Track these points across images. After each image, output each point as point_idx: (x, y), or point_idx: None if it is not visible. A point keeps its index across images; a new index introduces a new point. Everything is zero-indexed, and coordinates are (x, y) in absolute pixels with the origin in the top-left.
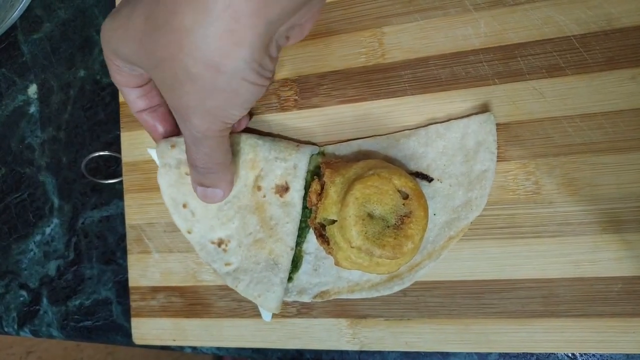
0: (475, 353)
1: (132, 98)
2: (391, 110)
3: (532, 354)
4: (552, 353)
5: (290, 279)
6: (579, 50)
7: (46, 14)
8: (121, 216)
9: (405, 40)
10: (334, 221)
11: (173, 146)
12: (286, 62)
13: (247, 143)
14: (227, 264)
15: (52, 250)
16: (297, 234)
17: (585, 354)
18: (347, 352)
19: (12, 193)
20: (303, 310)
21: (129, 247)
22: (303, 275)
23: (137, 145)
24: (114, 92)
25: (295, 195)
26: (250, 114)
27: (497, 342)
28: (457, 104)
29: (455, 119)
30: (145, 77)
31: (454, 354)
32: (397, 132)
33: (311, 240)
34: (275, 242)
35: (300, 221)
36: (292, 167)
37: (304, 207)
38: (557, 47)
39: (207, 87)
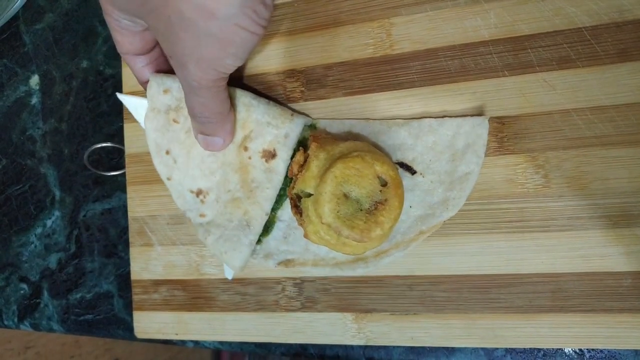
0: (482, 348)
1: (124, 43)
2: (399, 102)
3: (539, 349)
4: (560, 348)
5: (259, 241)
6: (590, 42)
7: (49, 4)
8: (123, 209)
9: (414, 32)
10: (310, 194)
11: (166, 91)
12: (293, 52)
13: (241, 101)
14: (201, 215)
15: (53, 243)
16: (274, 200)
17: (592, 349)
18: (351, 346)
19: (13, 185)
20: (307, 304)
21: (131, 239)
22: (272, 240)
23: (141, 136)
24: (117, 83)
25: (281, 163)
26: None
27: (504, 337)
28: (466, 96)
29: (450, 116)
30: (145, 32)
31: (460, 349)
32: (391, 119)
33: (287, 209)
34: (252, 204)
35: (280, 189)
36: (283, 135)
37: (286, 176)
38: (568, 38)
39: (201, 34)
